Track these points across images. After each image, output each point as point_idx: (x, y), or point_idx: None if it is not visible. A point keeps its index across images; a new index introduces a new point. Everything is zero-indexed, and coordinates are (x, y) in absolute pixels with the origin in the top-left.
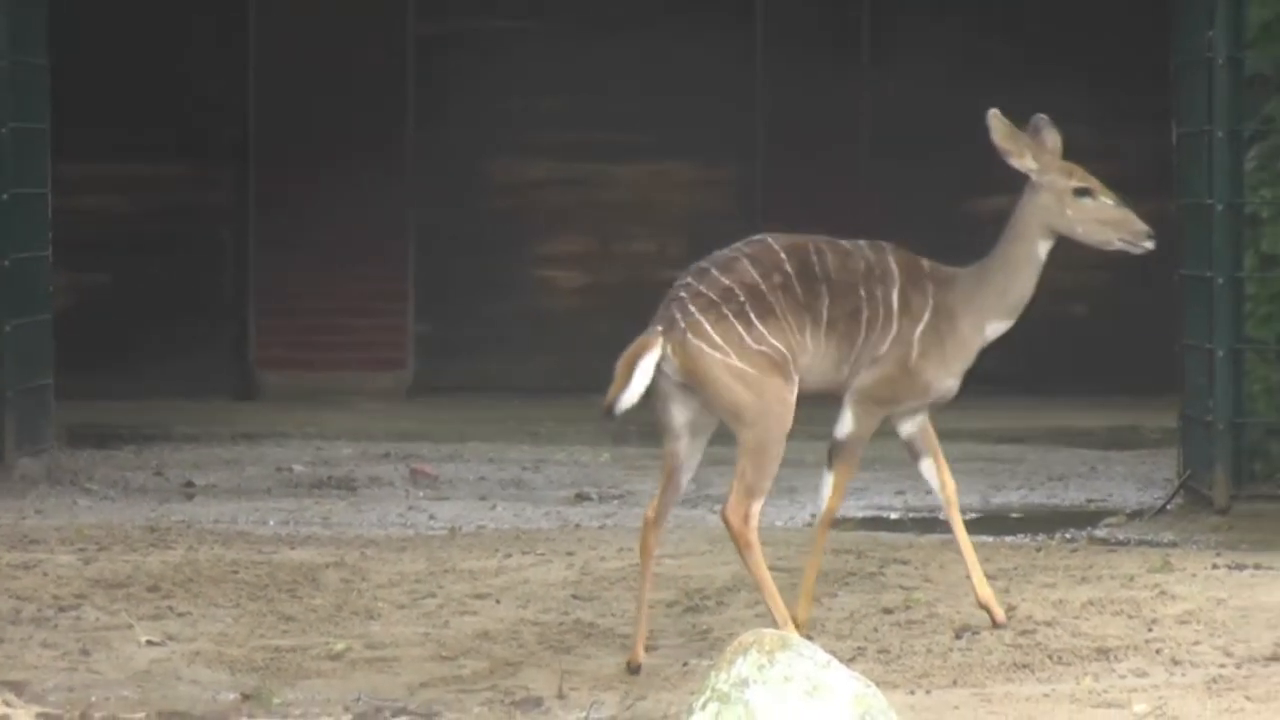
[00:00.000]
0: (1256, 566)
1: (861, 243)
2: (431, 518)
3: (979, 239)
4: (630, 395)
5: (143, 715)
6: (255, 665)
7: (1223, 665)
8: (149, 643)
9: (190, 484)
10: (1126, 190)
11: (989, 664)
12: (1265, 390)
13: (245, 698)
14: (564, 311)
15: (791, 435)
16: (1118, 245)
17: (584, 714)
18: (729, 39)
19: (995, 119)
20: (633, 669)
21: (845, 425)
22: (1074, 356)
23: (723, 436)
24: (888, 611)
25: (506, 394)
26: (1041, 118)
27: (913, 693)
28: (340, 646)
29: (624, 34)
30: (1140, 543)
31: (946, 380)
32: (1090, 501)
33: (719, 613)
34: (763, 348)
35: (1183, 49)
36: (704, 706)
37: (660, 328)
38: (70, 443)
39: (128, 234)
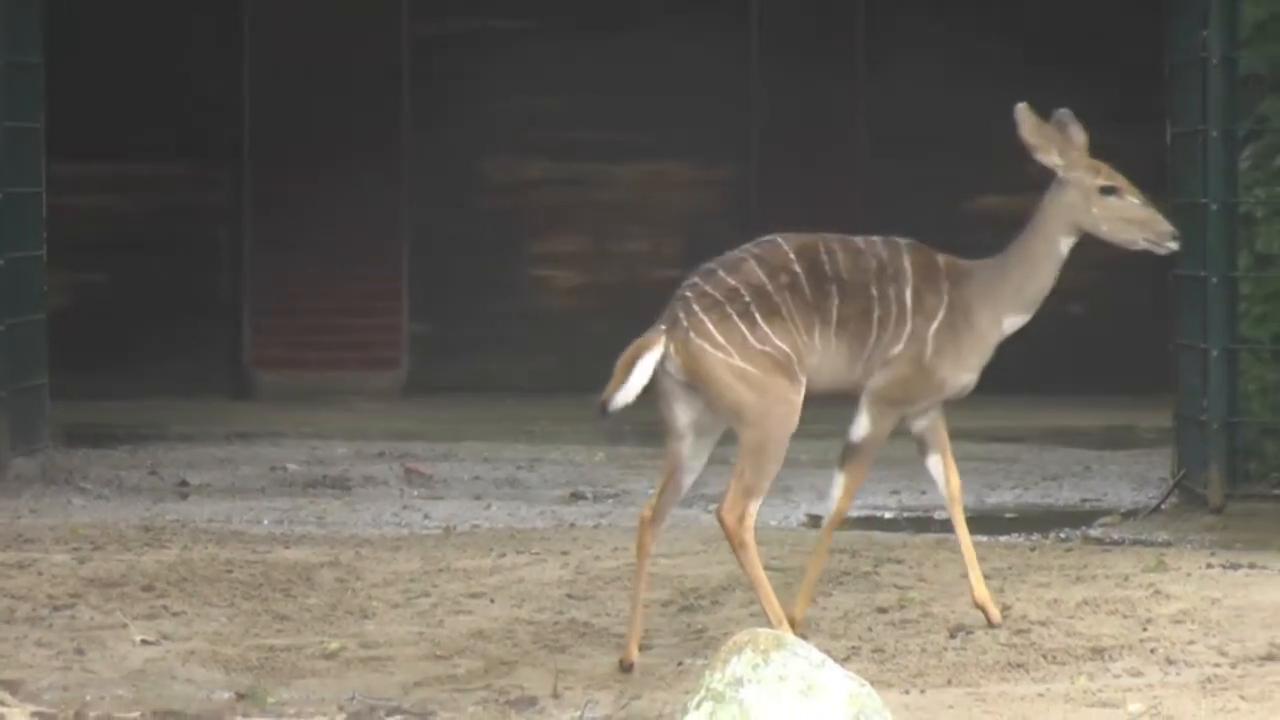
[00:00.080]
0: (1251, 566)
1: (875, 240)
2: (426, 517)
3: (977, 239)
4: (626, 394)
5: (137, 714)
6: (250, 664)
7: (1217, 665)
8: (144, 642)
9: (185, 483)
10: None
11: (984, 663)
12: (1260, 390)
13: (240, 697)
14: (560, 311)
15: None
16: (1142, 245)
17: (579, 713)
18: (725, 39)
19: (1024, 112)
20: (625, 667)
21: (861, 427)
22: (1070, 356)
23: (724, 437)
24: (882, 611)
25: (502, 393)
26: (1065, 112)
27: (907, 692)
28: (335, 646)
29: (620, 34)
30: (1135, 542)
31: (963, 376)
32: (1085, 501)
33: (714, 612)
34: (766, 348)
35: (1178, 49)
36: (699, 706)
37: (663, 326)
38: (65, 442)
39: (124, 234)
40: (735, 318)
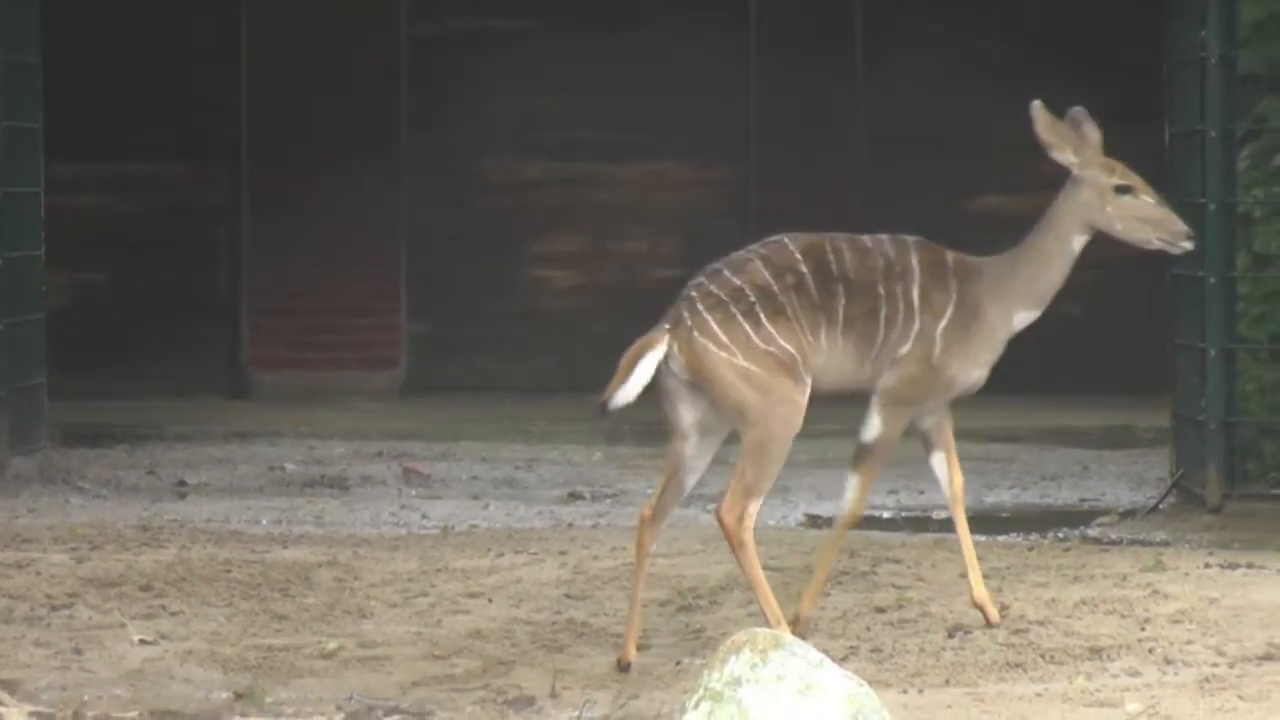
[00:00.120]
0: (1249, 566)
1: (883, 238)
2: (424, 517)
3: (976, 239)
4: (626, 393)
5: (135, 714)
6: (248, 664)
7: (1215, 664)
8: (142, 641)
9: (183, 483)
10: None
11: (982, 663)
12: (1258, 390)
13: (238, 696)
14: (558, 311)
15: None
16: (1157, 244)
17: (576, 713)
18: (724, 39)
19: (1038, 110)
20: (623, 667)
21: (872, 428)
22: (1068, 356)
23: (728, 438)
24: (880, 610)
25: (500, 393)
26: (1080, 110)
27: (905, 692)
28: (333, 645)
29: (619, 34)
30: (1133, 542)
31: (973, 373)
32: (1083, 501)
33: (712, 612)
34: (770, 348)
35: (1176, 48)
36: (697, 705)
37: (667, 326)
38: (64, 442)
39: (123, 234)
40: (740, 317)
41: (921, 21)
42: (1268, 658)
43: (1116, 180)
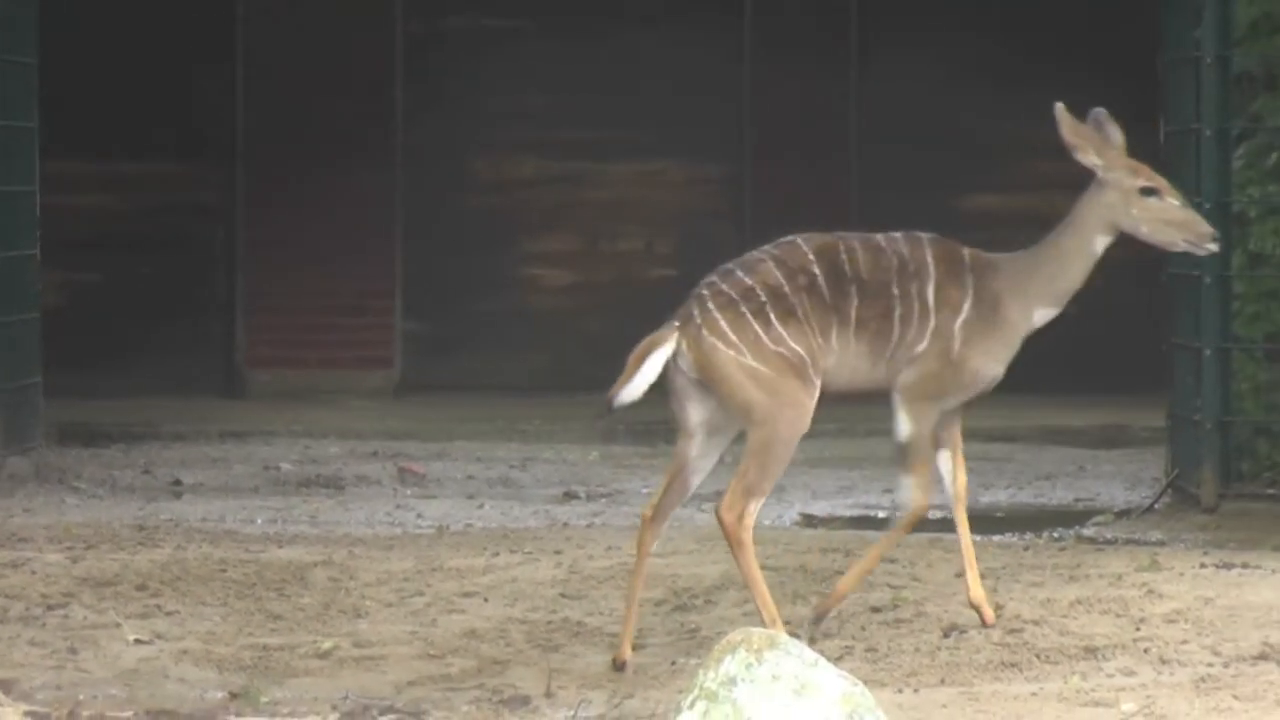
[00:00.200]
0: (1244, 565)
1: (896, 236)
2: (419, 516)
3: (970, 237)
4: (633, 390)
5: (130, 714)
6: (243, 664)
7: (1210, 664)
8: (137, 641)
9: (178, 482)
10: None
11: (977, 663)
12: (1253, 389)
13: (233, 696)
14: (553, 310)
15: None
16: (1182, 246)
17: (572, 712)
18: (719, 38)
19: (1062, 113)
20: (618, 666)
21: (903, 427)
22: (1063, 355)
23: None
24: (876, 610)
25: (495, 392)
26: (1100, 112)
27: (900, 691)
28: (328, 645)
29: (613, 33)
30: (1128, 542)
31: (994, 368)
32: (1078, 500)
33: (707, 611)
34: (780, 349)
35: (1171, 47)
36: (692, 705)
37: (676, 323)
38: (59, 441)
39: (118, 233)
40: (749, 317)
41: (916, 20)
42: (1262, 657)
43: (1142, 182)
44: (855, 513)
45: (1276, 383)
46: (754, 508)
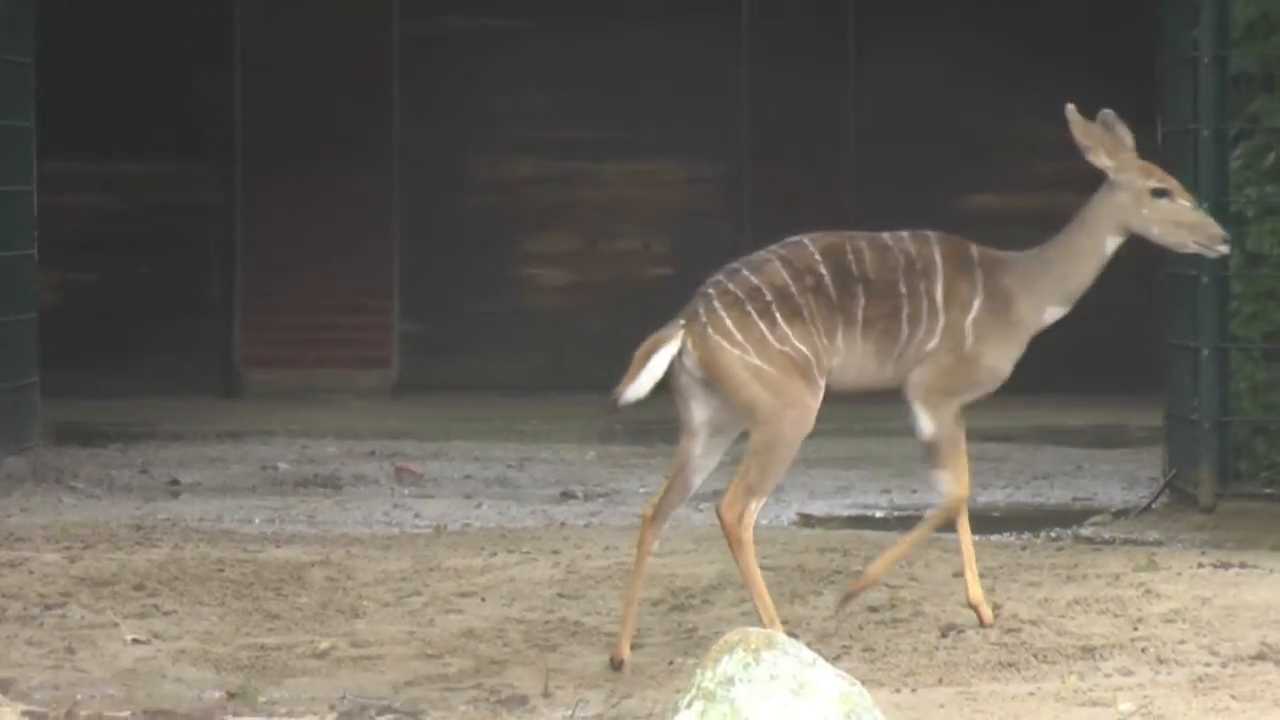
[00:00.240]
0: (1242, 565)
1: (903, 234)
2: (417, 516)
3: (967, 237)
4: (639, 387)
5: (128, 713)
6: (240, 663)
7: (1208, 664)
8: (134, 641)
9: (175, 482)
10: None
11: (974, 662)
12: (1250, 389)
13: (230, 696)
14: (551, 310)
15: None
16: (1193, 248)
17: (569, 712)
18: (717, 38)
19: (1073, 114)
20: (616, 665)
21: (925, 426)
22: (1060, 355)
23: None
24: (873, 610)
25: (492, 392)
26: (1109, 113)
27: (898, 691)
28: (325, 645)
29: (611, 33)
30: (1126, 541)
31: (1005, 365)
32: (1076, 500)
33: (705, 611)
34: (785, 349)
35: (1169, 47)
36: (690, 705)
37: (682, 321)
38: (56, 441)
39: (115, 233)
40: (755, 316)
41: (914, 20)
42: (1260, 657)
43: (1154, 184)
44: (853, 512)
45: (1274, 382)
46: (755, 507)
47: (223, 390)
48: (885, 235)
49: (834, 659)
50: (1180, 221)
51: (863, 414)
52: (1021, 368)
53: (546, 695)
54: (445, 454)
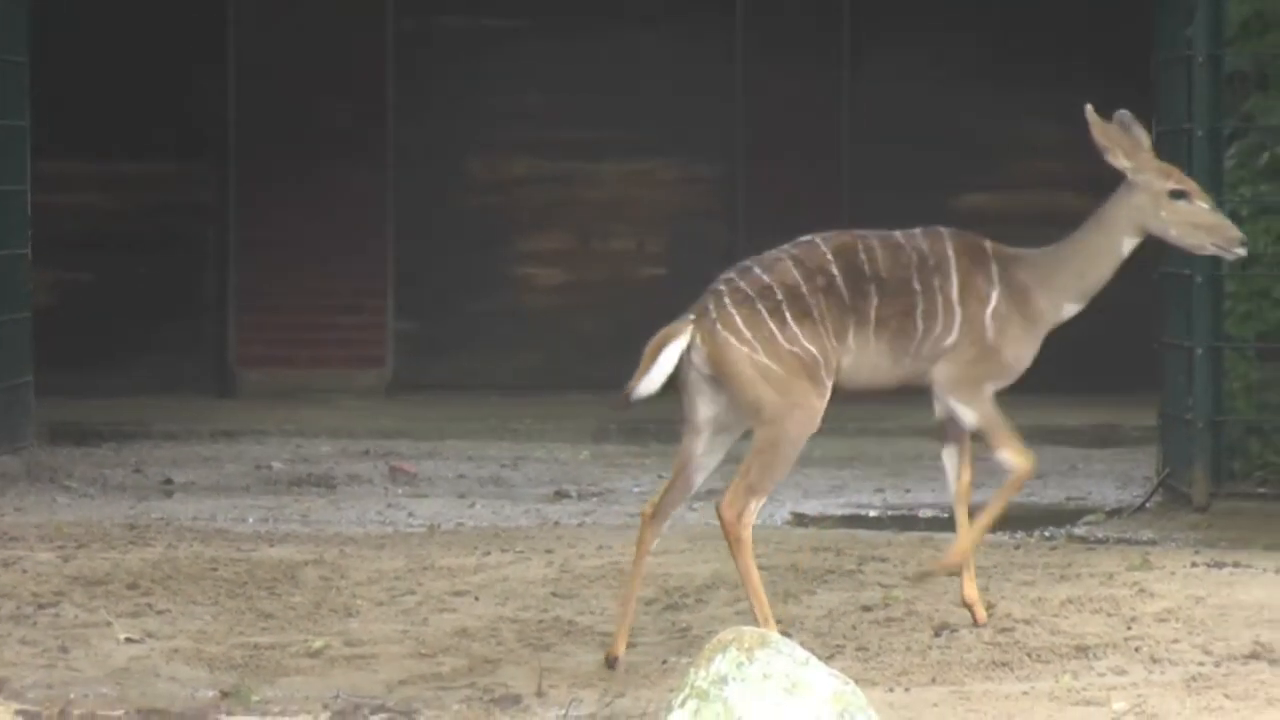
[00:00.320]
0: (1235, 564)
1: (915, 232)
2: (410, 515)
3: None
4: (650, 382)
5: (121, 712)
6: (234, 663)
7: (1201, 663)
8: (128, 640)
9: (169, 481)
10: (1109, 189)
11: (968, 662)
12: (1244, 388)
13: (224, 695)
14: (545, 309)
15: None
16: (1211, 250)
17: (563, 711)
18: (711, 38)
19: (1092, 115)
20: (610, 662)
21: (968, 416)
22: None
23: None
24: (867, 609)
25: (486, 391)
26: (1125, 114)
27: (891, 690)
28: (319, 644)
29: (605, 33)
30: (1119, 540)
31: (1026, 358)
32: (1069, 499)
33: (698, 610)
34: (794, 348)
35: (1163, 46)
36: (683, 704)
37: (692, 316)
38: (50, 440)
39: (109, 232)
40: (765, 314)
41: (909, 20)
42: (1254, 656)
43: (1172, 185)
44: (846, 512)
45: (1268, 382)
46: (755, 506)
47: (217, 389)
48: (898, 233)
49: (827, 658)
50: (1198, 223)
51: (856, 413)
52: None
53: (540, 694)
54: (439, 453)
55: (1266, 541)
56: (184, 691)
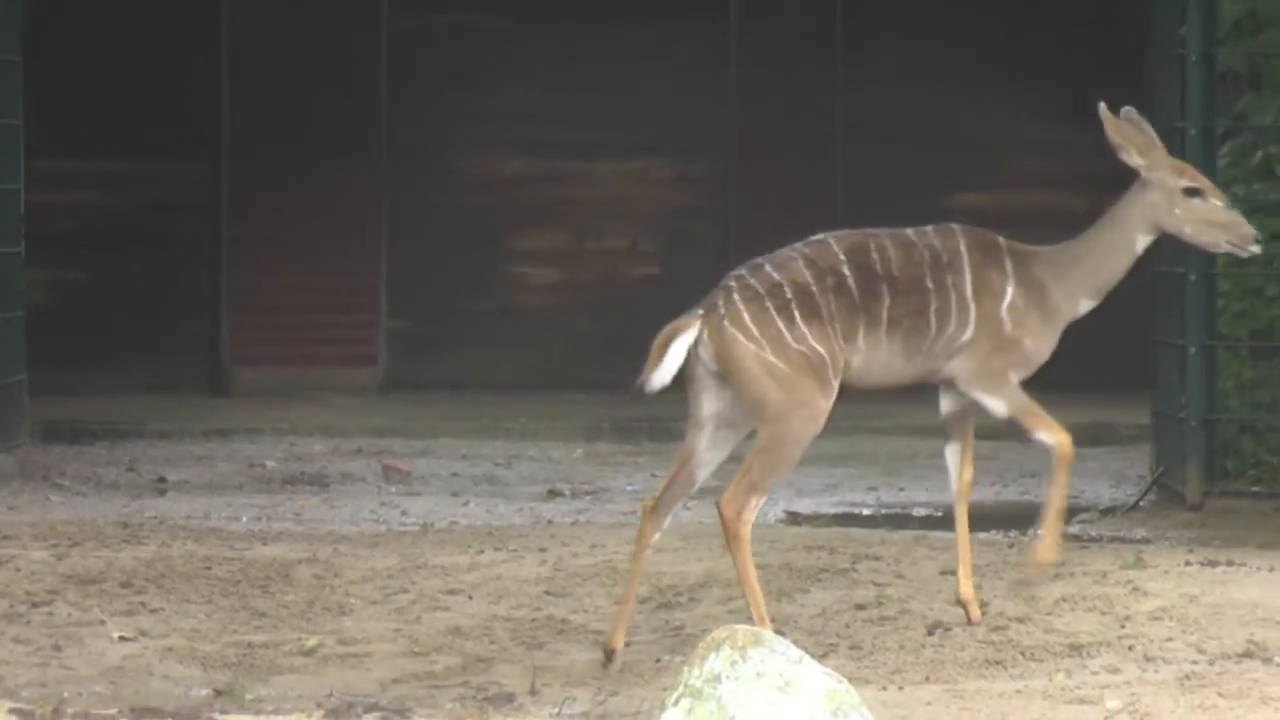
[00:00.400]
0: (1229, 563)
1: (927, 229)
2: (404, 514)
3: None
4: (662, 375)
5: (115, 711)
6: (228, 661)
7: (1195, 662)
8: (121, 638)
9: (163, 480)
10: (1103, 187)
11: (961, 660)
12: (1237, 387)
13: (217, 693)
14: (538, 308)
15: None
16: (1225, 248)
17: (556, 710)
18: (705, 38)
19: (1105, 113)
20: (608, 656)
21: (996, 407)
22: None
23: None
24: (860, 608)
25: (480, 390)
26: (1132, 111)
27: (885, 689)
28: (312, 642)
29: (600, 32)
30: (1113, 539)
31: (1045, 349)
32: None
33: (692, 609)
34: (801, 348)
35: (1156, 45)
36: (676, 702)
37: (701, 311)
38: (43, 439)
39: (103, 231)
40: (773, 312)
41: (902, 20)
42: (1247, 655)
43: (1186, 183)
44: (840, 510)
45: (1261, 380)
46: (755, 504)
47: (210, 388)
48: (909, 231)
49: (821, 656)
50: (1213, 221)
51: (851, 412)
52: None
53: (533, 693)
54: (433, 452)
55: (1260, 540)
56: (178, 690)
